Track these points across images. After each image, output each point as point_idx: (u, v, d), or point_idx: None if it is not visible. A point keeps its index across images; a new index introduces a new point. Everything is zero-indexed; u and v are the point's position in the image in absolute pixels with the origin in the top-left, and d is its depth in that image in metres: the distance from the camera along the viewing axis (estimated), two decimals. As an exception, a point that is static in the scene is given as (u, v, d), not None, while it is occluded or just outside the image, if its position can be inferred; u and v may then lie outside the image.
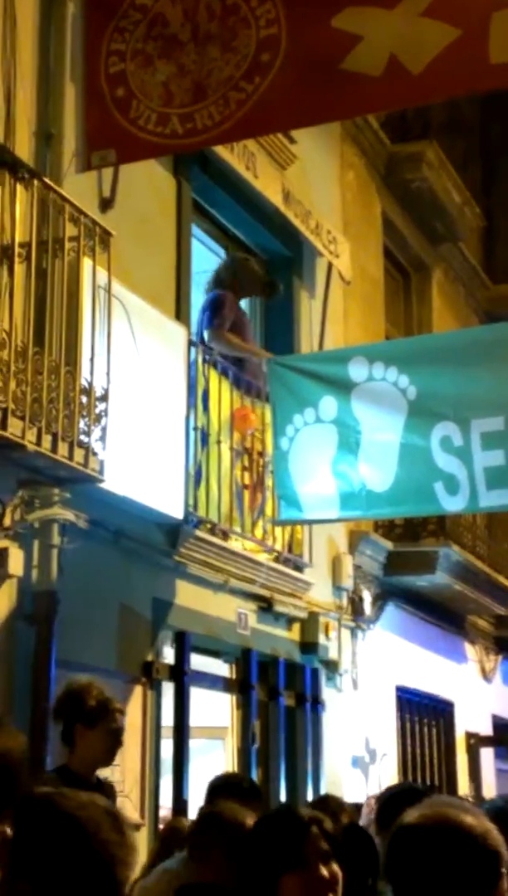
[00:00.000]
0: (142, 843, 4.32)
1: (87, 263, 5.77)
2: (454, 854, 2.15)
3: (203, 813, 4.06)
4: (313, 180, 9.44)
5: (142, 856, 4.51)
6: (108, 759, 4.56)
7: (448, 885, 2.14)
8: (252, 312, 9.17)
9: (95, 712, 4.41)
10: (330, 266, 9.43)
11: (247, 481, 7.73)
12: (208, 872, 3.69)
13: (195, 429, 7.05)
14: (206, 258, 8.67)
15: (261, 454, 7.78)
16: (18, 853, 2.02)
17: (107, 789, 4.55)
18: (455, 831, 2.17)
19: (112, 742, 4.50)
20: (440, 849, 2.15)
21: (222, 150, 7.52)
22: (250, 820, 3.72)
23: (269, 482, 7.61)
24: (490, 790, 12.61)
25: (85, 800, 2.07)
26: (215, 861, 3.71)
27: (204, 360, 7.29)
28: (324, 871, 2.85)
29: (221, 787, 4.68)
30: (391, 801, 4.23)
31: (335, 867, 2.90)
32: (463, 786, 11.80)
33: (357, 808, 6.89)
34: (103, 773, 4.76)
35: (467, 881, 2.14)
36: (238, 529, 7.56)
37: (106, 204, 6.65)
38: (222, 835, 3.74)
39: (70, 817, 2.02)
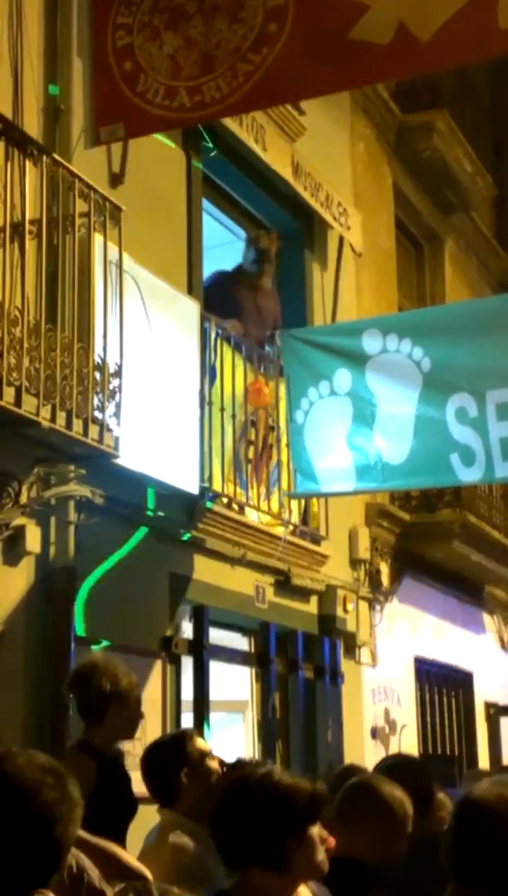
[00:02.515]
0: (154, 814, 4.34)
1: (97, 239, 5.76)
2: None
3: (356, 783, 3.93)
4: (323, 152, 9.39)
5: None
6: (133, 734, 4.61)
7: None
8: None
9: (129, 688, 4.45)
10: (342, 238, 9.40)
11: (261, 455, 7.73)
12: (357, 844, 3.61)
13: (210, 403, 7.05)
14: (217, 232, 8.64)
15: (274, 428, 7.77)
16: None
17: (120, 758, 4.61)
18: None
19: (138, 717, 4.56)
20: (501, 823, 2.21)
21: (230, 123, 7.48)
22: (399, 793, 3.74)
23: (284, 455, 7.61)
24: (509, 760, 12.65)
25: (22, 761, 2.08)
26: (369, 833, 3.64)
27: (217, 335, 7.28)
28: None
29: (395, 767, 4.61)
30: (386, 774, 4.21)
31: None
32: (483, 755, 11.81)
33: None
34: (125, 746, 4.79)
35: None
36: (254, 503, 7.56)
37: (116, 179, 6.63)
38: (377, 806, 3.69)
39: (6, 782, 2.04)
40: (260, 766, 3.16)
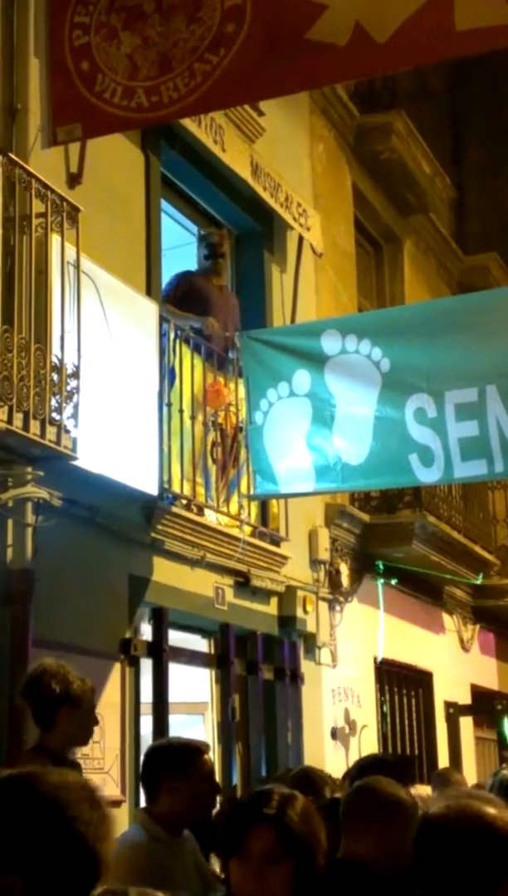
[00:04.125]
0: (123, 819, 4.32)
1: (55, 240, 5.72)
2: (477, 846, 2.28)
3: (359, 786, 3.88)
4: (282, 153, 9.39)
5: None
6: (87, 738, 4.58)
7: (469, 876, 2.27)
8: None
9: (81, 693, 4.43)
10: (301, 239, 9.40)
11: (220, 456, 7.72)
12: (361, 846, 3.58)
13: (168, 405, 7.02)
14: (176, 233, 8.62)
15: (234, 429, 7.76)
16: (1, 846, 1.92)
17: (77, 767, 4.58)
18: (478, 824, 2.30)
19: (92, 721, 4.53)
20: (462, 841, 2.29)
21: (189, 124, 7.47)
22: (403, 793, 3.69)
23: (243, 457, 7.59)
24: (469, 759, 12.70)
25: (58, 779, 2.00)
26: (372, 835, 3.59)
27: (176, 336, 7.26)
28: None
29: (370, 768, 4.61)
30: (362, 776, 4.21)
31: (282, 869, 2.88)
32: (443, 755, 11.86)
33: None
34: (83, 750, 4.76)
35: (487, 871, 2.27)
36: (214, 505, 7.55)
37: (74, 180, 6.60)
38: (381, 808, 3.64)
39: (50, 802, 1.94)
40: None
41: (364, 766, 4.60)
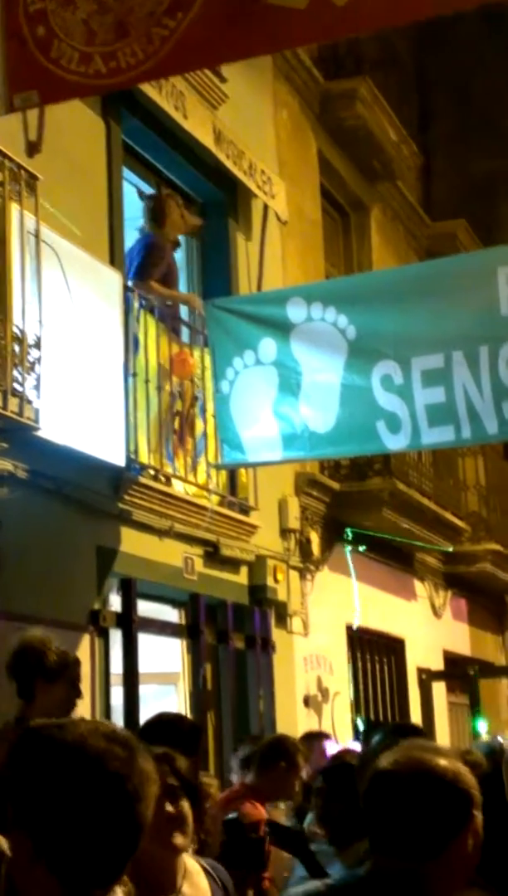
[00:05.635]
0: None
1: (14, 209, 5.65)
2: (426, 797, 2.26)
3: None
4: (245, 120, 9.32)
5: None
6: (68, 710, 4.57)
7: (422, 827, 2.25)
8: (189, 256, 9.08)
9: (56, 666, 4.42)
10: (266, 207, 9.34)
11: (178, 426, 7.68)
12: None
13: (134, 374, 6.98)
14: (139, 202, 8.54)
15: (200, 398, 7.72)
16: (18, 801, 1.73)
17: None
18: (428, 775, 2.28)
19: (73, 694, 4.52)
20: (413, 793, 2.26)
21: (150, 91, 7.39)
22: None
23: (211, 426, 7.57)
24: (442, 723, 12.78)
25: (85, 728, 1.77)
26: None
27: (140, 306, 7.21)
28: (169, 808, 2.93)
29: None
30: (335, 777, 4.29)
31: (184, 804, 2.98)
32: (416, 720, 11.91)
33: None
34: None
35: (439, 822, 2.25)
36: (181, 475, 7.52)
37: (33, 148, 6.50)
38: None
39: (74, 750, 1.73)
40: None
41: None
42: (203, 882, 3.11)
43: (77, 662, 4.66)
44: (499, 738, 6.70)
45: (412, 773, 2.27)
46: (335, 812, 4.41)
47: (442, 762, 2.30)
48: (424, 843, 2.23)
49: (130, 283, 7.28)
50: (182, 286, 8.50)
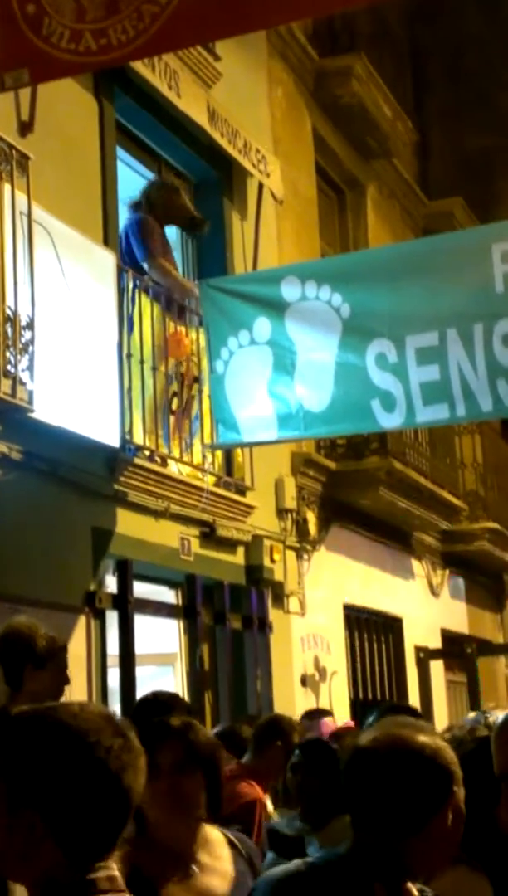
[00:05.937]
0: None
1: (6, 189, 5.62)
2: (406, 774, 2.25)
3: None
4: (240, 98, 9.26)
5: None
6: (56, 696, 4.55)
7: (402, 804, 2.24)
8: (184, 235, 9.03)
9: (45, 653, 4.40)
10: (261, 186, 9.29)
11: (175, 407, 7.65)
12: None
13: (129, 355, 6.95)
14: (133, 181, 8.49)
15: (197, 379, 7.70)
16: (14, 779, 1.83)
17: None
18: (407, 752, 2.28)
19: (62, 681, 4.51)
20: (392, 769, 2.26)
21: (143, 69, 7.34)
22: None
23: (206, 406, 7.54)
24: (440, 702, 12.81)
25: (76, 708, 1.90)
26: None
27: (135, 286, 7.17)
28: (182, 780, 3.00)
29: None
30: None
31: (196, 776, 3.04)
32: (414, 699, 11.93)
33: None
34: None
35: (419, 798, 2.25)
36: (177, 455, 7.50)
37: (25, 127, 6.48)
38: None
39: (65, 728, 1.85)
40: None
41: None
42: (225, 852, 3.15)
43: (64, 648, 4.64)
44: (487, 714, 6.73)
45: (391, 750, 2.28)
46: (313, 788, 4.43)
47: (421, 738, 2.30)
48: (404, 820, 2.23)
49: (143, 264, 7.27)
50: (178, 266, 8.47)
